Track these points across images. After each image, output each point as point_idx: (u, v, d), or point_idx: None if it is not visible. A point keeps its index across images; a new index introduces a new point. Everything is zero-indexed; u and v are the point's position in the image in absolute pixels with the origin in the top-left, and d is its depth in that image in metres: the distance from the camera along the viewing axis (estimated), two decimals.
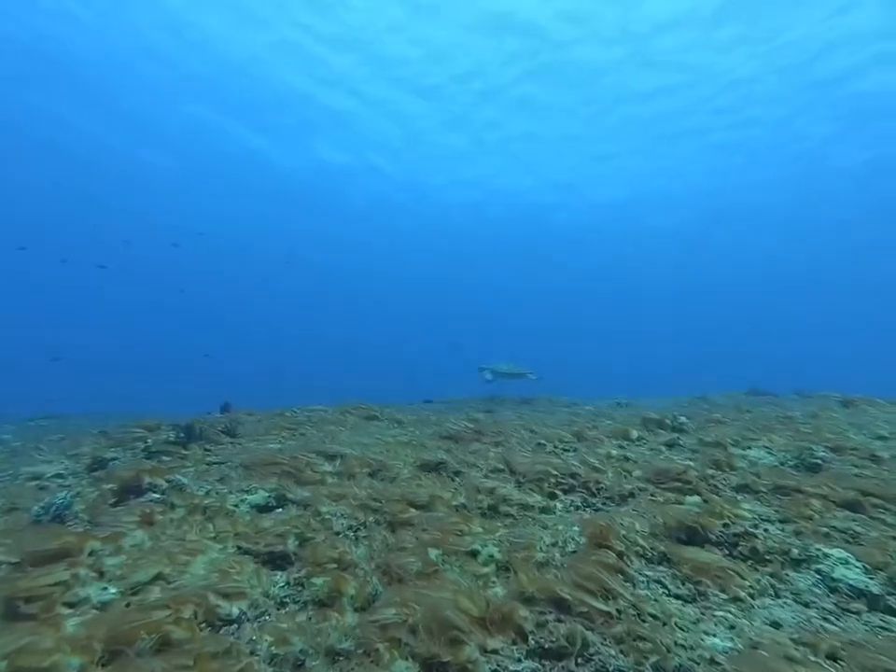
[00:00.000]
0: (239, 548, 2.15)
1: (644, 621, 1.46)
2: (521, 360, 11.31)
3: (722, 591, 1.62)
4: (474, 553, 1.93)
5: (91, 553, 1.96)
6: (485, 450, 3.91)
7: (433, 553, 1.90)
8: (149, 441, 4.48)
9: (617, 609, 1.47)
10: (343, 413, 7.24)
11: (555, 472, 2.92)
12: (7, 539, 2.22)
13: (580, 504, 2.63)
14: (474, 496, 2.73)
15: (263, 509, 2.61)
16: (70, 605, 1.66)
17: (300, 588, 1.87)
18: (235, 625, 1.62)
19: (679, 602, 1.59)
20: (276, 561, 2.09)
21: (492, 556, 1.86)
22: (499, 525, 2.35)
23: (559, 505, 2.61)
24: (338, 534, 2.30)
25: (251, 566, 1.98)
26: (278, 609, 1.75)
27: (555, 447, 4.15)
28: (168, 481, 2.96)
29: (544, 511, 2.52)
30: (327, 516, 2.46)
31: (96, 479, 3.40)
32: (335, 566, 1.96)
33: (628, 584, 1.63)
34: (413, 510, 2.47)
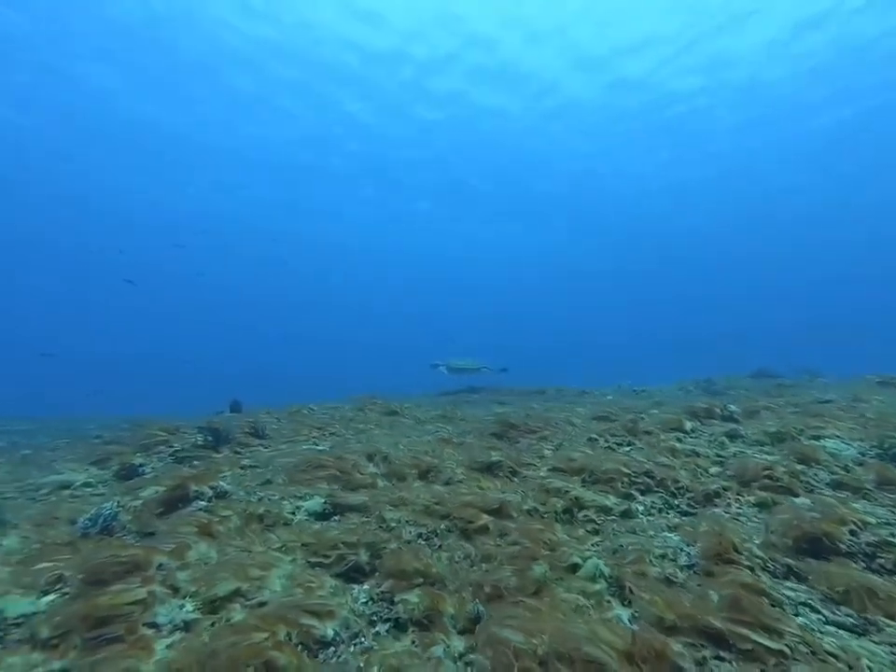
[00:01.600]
0: (309, 560, 2.09)
1: (825, 662, 1.30)
2: (476, 355, 11.66)
3: (891, 618, 1.50)
4: (574, 567, 1.85)
5: (159, 567, 1.90)
6: (536, 446, 3.84)
7: (537, 568, 1.83)
8: (175, 444, 4.45)
9: (787, 646, 1.34)
10: (361, 410, 7.20)
11: (627, 471, 2.84)
12: (62, 553, 2.18)
13: (661, 506, 2.56)
14: (544, 498, 2.66)
15: (321, 516, 2.56)
16: (153, 625, 1.61)
17: (386, 605, 1.81)
18: (332, 648, 1.57)
19: (848, 634, 1.46)
20: (350, 574, 2.04)
21: (599, 570, 1.78)
22: (583, 532, 2.28)
23: (639, 507, 2.54)
24: (409, 543, 2.24)
25: (329, 580, 1.93)
26: (370, 629, 1.69)
27: (607, 441, 4.08)
28: (212, 487, 2.91)
29: (626, 515, 2.45)
30: (392, 523, 2.40)
31: (131, 487, 3.36)
32: (421, 579, 1.90)
33: (777, 609, 1.53)
34: (484, 515, 2.40)
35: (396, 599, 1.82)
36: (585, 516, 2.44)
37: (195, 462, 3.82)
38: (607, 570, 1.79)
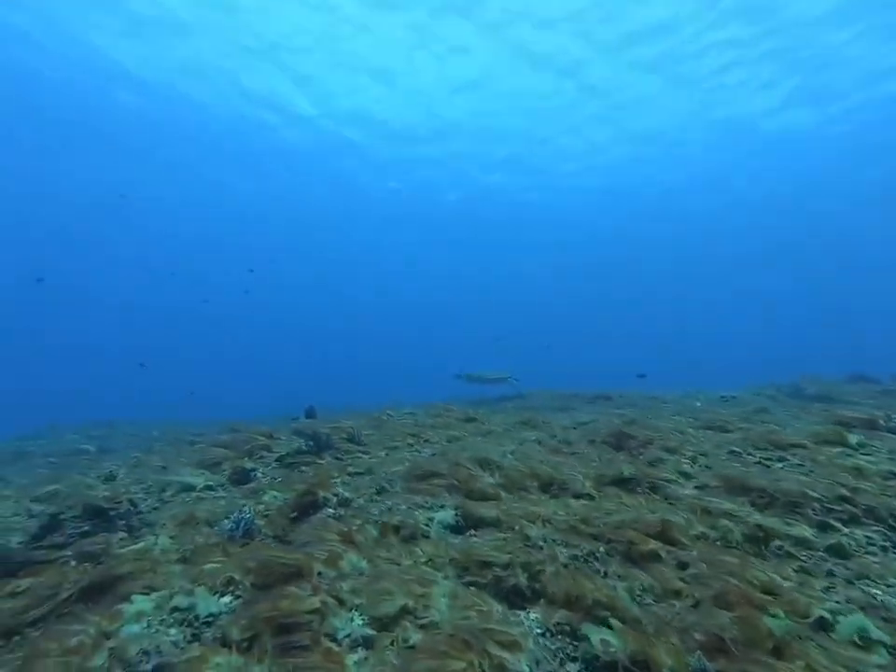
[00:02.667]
0: (461, 577, 1.98)
1: None
2: (498, 364, 12.14)
3: None
4: (822, 624, 1.52)
5: (319, 576, 1.89)
6: (667, 458, 3.46)
7: (771, 620, 1.53)
8: (276, 449, 4.68)
9: None
10: (437, 416, 7.16)
11: (815, 494, 2.41)
12: (216, 554, 2.28)
13: (882, 542, 2.10)
14: (711, 522, 2.32)
15: (455, 529, 2.45)
16: (332, 638, 1.58)
17: (569, 640, 1.63)
18: None
19: None
20: (510, 597, 1.88)
21: (869, 634, 1.42)
22: (790, 570, 1.92)
23: (850, 542, 2.11)
24: (566, 566, 2.04)
25: (494, 603, 1.79)
26: (561, 668, 1.52)
27: (752, 455, 3.58)
28: (335, 495, 2.94)
29: (838, 552, 2.04)
30: (539, 542, 2.22)
31: (250, 491, 3.54)
32: (606, 612, 1.69)
33: None
34: (651, 540, 2.13)
35: (579, 633, 1.63)
36: (780, 549, 2.07)
37: (303, 468, 3.95)
38: (886, 637, 1.44)
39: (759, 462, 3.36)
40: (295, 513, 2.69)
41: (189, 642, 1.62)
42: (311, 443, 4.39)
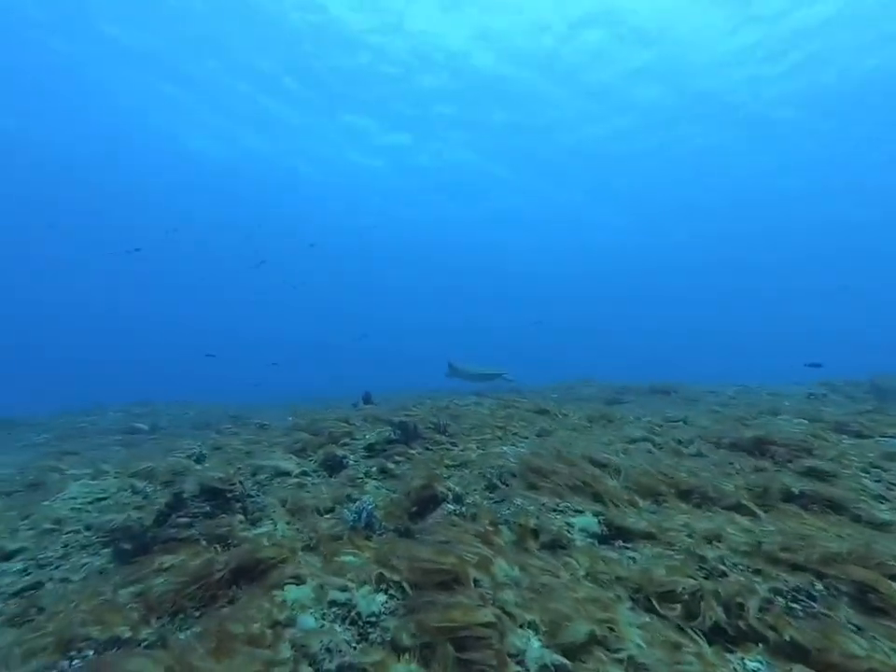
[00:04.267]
0: (634, 600, 1.80)
1: None
2: (490, 360, 11.77)
3: None
4: None
5: (476, 583, 1.80)
6: (831, 469, 3.05)
7: None
8: (358, 437, 4.74)
9: None
10: (506, 407, 7.01)
11: None
12: (345, 546, 2.27)
13: None
14: None
15: (601, 538, 2.28)
16: (517, 660, 1.47)
17: None
18: None
19: None
20: (712, 636, 1.66)
21: None
22: None
23: None
24: (770, 602, 1.78)
25: (701, 641, 1.59)
26: None
27: None
28: (448, 490, 2.88)
29: None
30: (721, 566, 1.97)
31: (349, 479, 3.59)
32: None
33: None
34: (883, 579, 1.82)
35: None
36: None
37: (396, 458, 3.96)
38: None
39: None
40: (415, 507, 2.65)
41: (358, 642, 1.59)
42: (398, 432, 4.40)
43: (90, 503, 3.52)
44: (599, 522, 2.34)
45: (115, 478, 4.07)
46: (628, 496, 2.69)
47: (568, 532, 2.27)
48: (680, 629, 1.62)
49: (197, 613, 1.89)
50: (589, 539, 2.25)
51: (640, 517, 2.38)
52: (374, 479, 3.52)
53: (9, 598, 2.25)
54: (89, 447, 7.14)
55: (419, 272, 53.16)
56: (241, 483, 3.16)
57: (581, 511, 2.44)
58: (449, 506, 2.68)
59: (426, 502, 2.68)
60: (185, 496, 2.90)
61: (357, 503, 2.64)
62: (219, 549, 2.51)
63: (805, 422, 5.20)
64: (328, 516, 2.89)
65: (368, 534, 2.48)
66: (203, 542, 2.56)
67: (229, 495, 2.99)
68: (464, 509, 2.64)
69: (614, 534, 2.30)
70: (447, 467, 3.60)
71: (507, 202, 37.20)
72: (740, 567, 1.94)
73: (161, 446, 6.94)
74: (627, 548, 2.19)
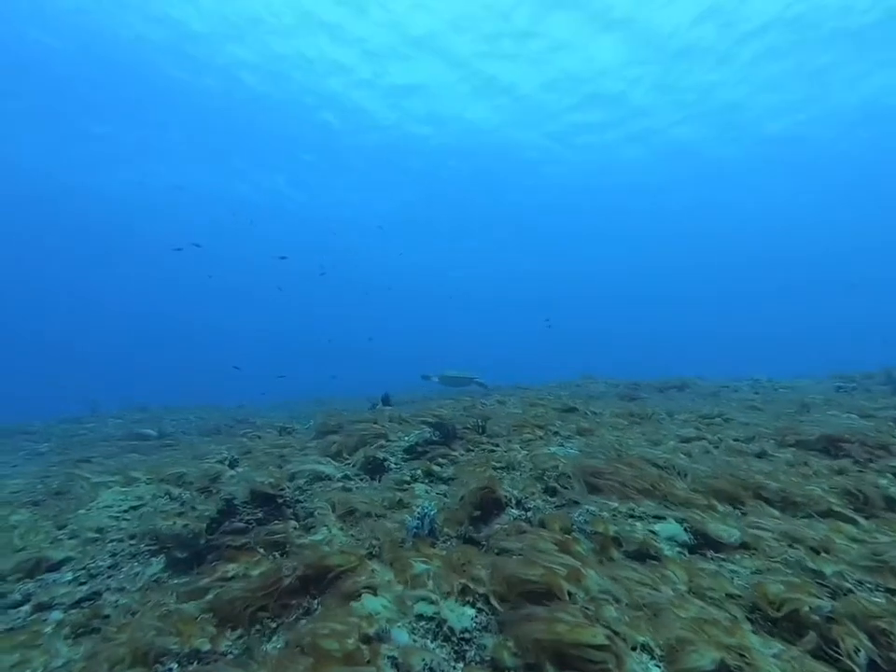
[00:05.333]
0: (751, 620, 1.69)
1: None
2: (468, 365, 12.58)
3: None
4: None
5: (570, 597, 1.72)
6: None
7: None
8: (393, 438, 4.68)
9: None
10: (531, 406, 6.91)
11: None
12: (418, 555, 2.20)
13: None
14: None
15: (689, 548, 2.17)
16: None
17: None
18: None
19: None
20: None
21: None
22: None
23: None
24: None
25: None
26: None
27: None
28: (505, 493, 2.79)
29: None
30: (847, 584, 1.82)
31: (394, 483, 3.52)
32: None
33: None
34: None
35: None
36: None
37: (440, 460, 3.88)
38: None
39: None
40: (478, 512, 2.57)
41: (456, 661, 1.52)
42: (437, 433, 4.33)
43: (125, 511, 3.51)
44: (686, 530, 2.23)
45: (147, 484, 4.05)
46: (705, 500, 2.58)
47: (655, 542, 2.17)
48: (827, 661, 1.49)
49: (273, 624, 1.84)
50: (678, 549, 2.14)
51: (727, 524, 2.26)
52: (421, 482, 3.45)
53: (69, 609, 2.22)
54: (100, 455, 7.08)
55: (419, 271, 54.05)
56: (289, 488, 3.11)
57: (661, 518, 2.33)
58: (513, 511, 2.59)
59: (489, 507, 2.60)
60: (236, 502, 2.86)
61: (419, 509, 2.57)
62: (278, 556, 2.47)
63: (855, 416, 5.02)
64: (386, 522, 2.83)
65: (433, 541, 2.40)
66: (260, 550, 2.51)
67: (279, 500, 2.95)
68: (529, 514, 2.55)
69: (702, 543, 2.19)
70: (494, 469, 3.51)
71: None
72: (868, 584, 1.81)
73: (182, 451, 6.95)
74: (722, 559, 2.08)
